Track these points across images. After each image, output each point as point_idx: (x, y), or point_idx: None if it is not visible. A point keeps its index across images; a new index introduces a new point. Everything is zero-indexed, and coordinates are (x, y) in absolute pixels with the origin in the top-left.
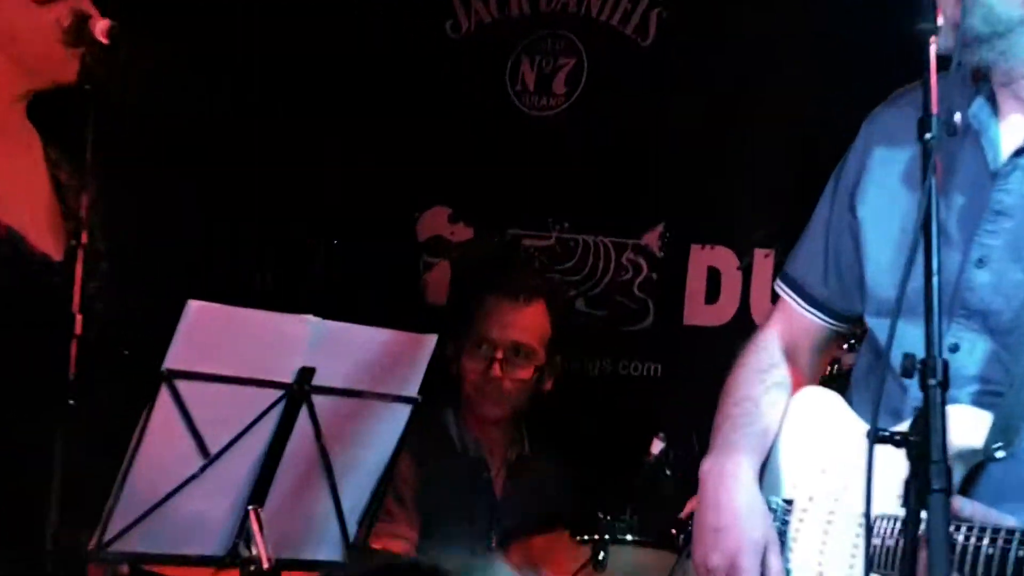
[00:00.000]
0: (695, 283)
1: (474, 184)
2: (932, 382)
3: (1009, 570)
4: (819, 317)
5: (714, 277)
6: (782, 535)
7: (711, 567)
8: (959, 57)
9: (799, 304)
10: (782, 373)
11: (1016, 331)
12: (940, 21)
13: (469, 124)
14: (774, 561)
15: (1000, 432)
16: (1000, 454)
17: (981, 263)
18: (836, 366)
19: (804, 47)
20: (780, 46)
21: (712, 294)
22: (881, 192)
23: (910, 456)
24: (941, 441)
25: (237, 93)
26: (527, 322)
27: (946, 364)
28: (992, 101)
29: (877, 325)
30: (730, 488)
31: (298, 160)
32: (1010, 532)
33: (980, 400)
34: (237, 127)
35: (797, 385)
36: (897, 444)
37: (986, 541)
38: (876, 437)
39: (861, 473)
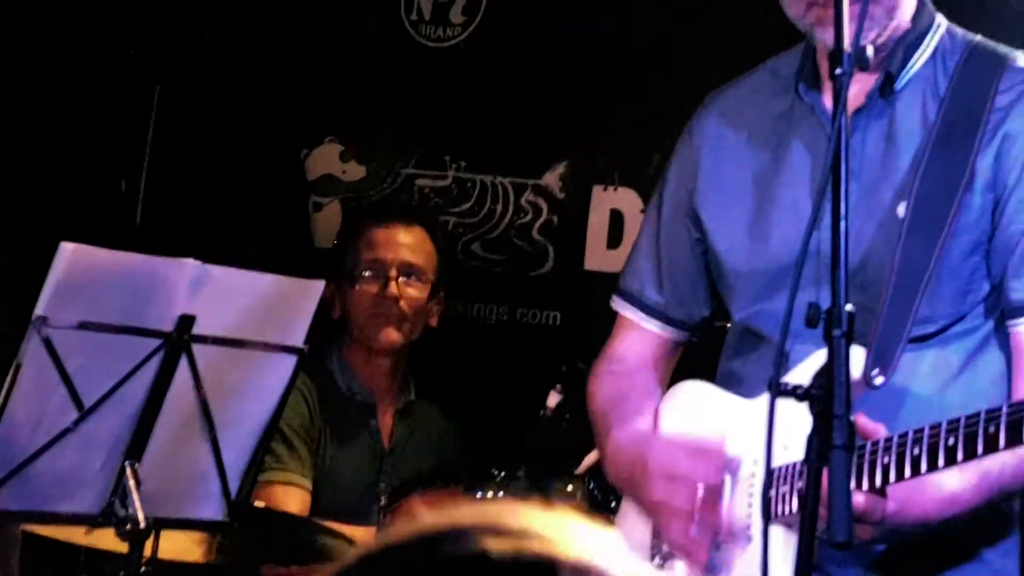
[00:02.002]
0: (597, 226)
1: (366, 120)
2: (837, 332)
3: (907, 471)
4: (659, 326)
5: (617, 220)
6: None
7: (689, 532)
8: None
9: (638, 315)
10: (644, 376)
11: (877, 282)
12: None
13: (361, 55)
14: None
15: (876, 360)
16: (879, 380)
17: None
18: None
19: None
20: None
21: (615, 238)
22: (723, 187)
23: (813, 411)
24: (845, 394)
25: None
26: (414, 243)
27: (851, 316)
28: (817, 70)
29: (753, 313)
30: (648, 452)
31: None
32: (902, 435)
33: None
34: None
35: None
36: (799, 398)
37: (880, 452)
38: (777, 390)
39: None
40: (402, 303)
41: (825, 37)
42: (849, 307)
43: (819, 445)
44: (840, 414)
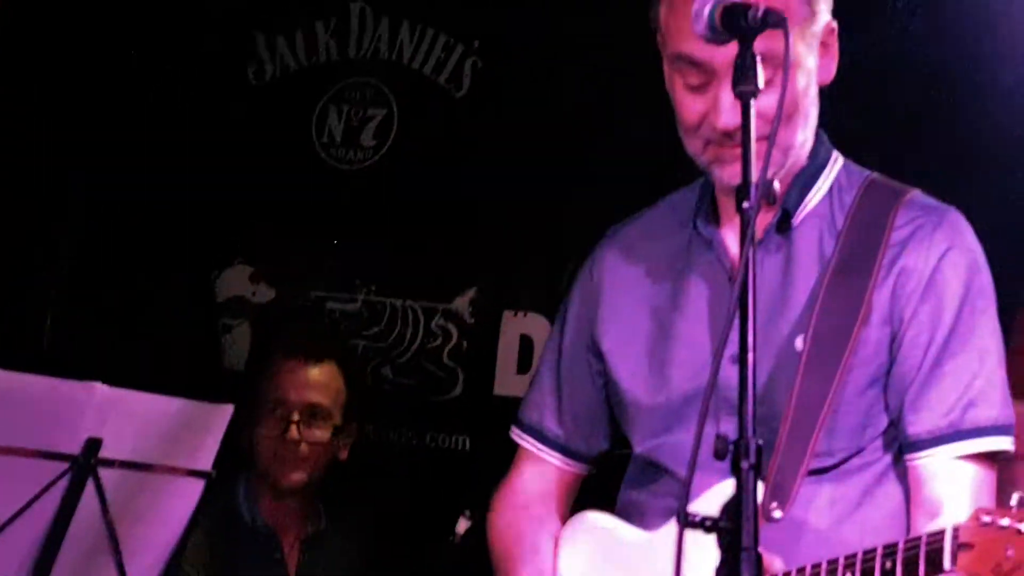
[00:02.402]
0: (507, 351)
1: (277, 242)
2: (745, 465)
3: None
4: (559, 459)
5: (527, 345)
6: None
7: None
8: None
9: (539, 449)
10: (543, 509)
11: (776, 416)
12: (761, 83)
13: (272, 177)
14: None
15: (774, 493)
16: (777, 514)
17: (735, 360)
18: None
19: (626, 103)
20: (599, 101)
21: (524, 363)
22: (623, 321)
23: (720, 544)
24: (753, 528)
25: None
26: (321, 383)
27: (760, 447)
28: (715, 205)
29: (654, 446)
30: None
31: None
32: (800, 569)
33: None
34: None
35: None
36: (707, 530)
37: None
38: (686, 522)
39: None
40: (303, 447)
41: (722, 175)
42: (759, 441)
43: None
44: (748, 547)
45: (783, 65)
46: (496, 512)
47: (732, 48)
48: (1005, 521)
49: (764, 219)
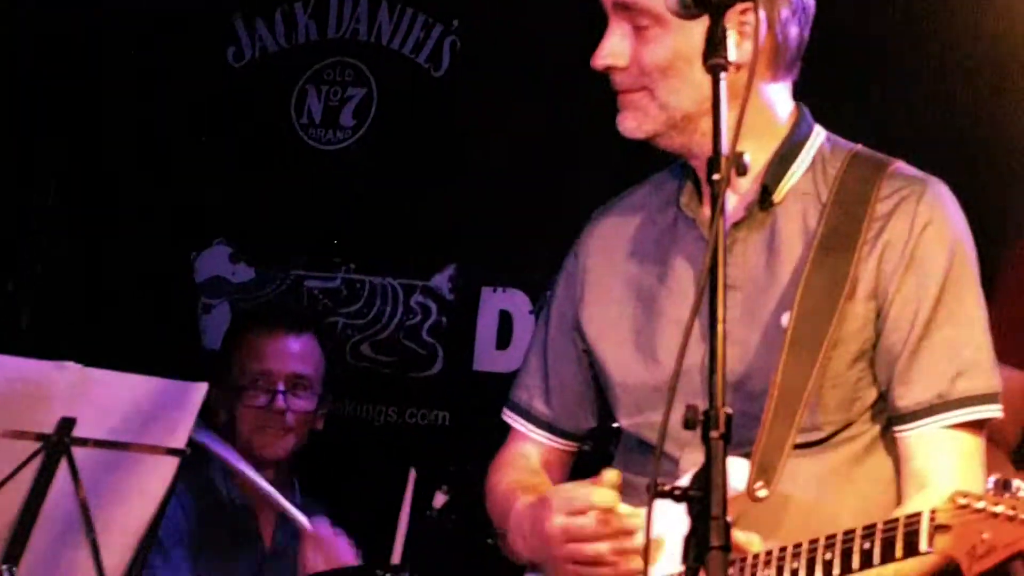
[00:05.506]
0: (486, 328)
1: (256, 221)
2: (714, 434)
3: None
4: (547, 438)
5: (506, 321)
6: None
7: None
8: (662, 143)
9: (528, 429)
10: (540, 477)
11: (763, 393)
12: (732, 56)
13: (252, 158)
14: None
15: (760, 472)
16: (762, 492)
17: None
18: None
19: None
20: (580, 79)
21: (504, 339)
22: (608, 302)
23: (691, 512)
24: (722, 496)
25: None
26: (303, 352)
27: (729, 417)
28: (697, 184)
29: (640, 422)
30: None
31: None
32: (782, 549)
33: (735, 453)
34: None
35: None
36: (677, 499)
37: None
38: (656, 492)
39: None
40: (289, 416)
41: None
42: (728, 410)
43: (696, 546)
44: (717, 515)
45: (755, 41)
46: (493, 474)
47: None
48: (981, 504)
49: (746, 196)
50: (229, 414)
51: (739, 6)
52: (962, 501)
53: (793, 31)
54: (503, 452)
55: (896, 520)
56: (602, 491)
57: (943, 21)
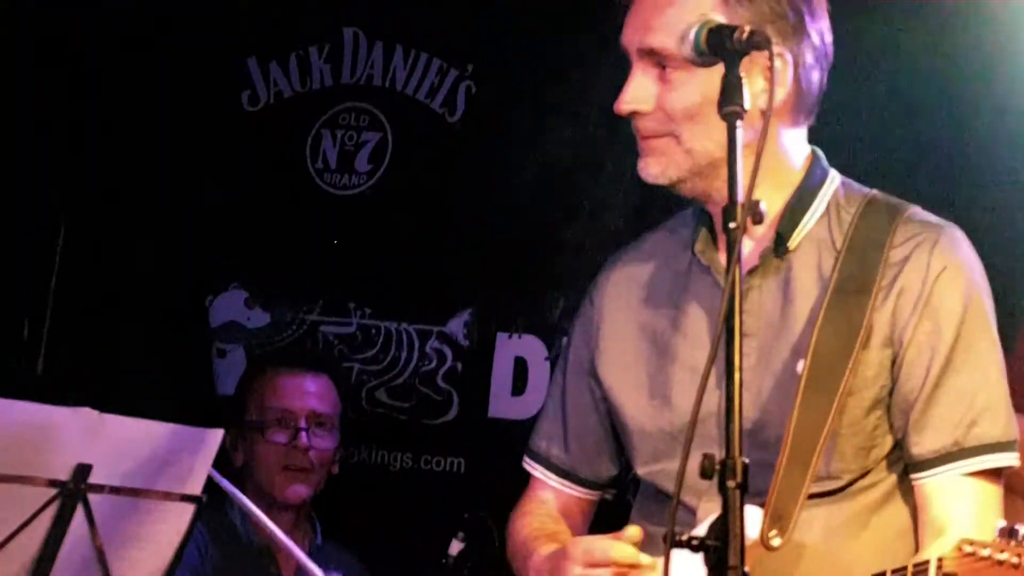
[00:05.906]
0: (501, 374)
1: (272, 266)
2: (731, 484)
3: None
4: (568, 486)
5: (521, 367)
6: None
7: None
8: (684, 189)
9: (548, 477)
10: (561, 525)
11: (778, 440)
12: (747, 104)
13: (267, 202)
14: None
15: (773, 520)
16: (776, 541)
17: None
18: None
19: (621, 128)
20: (593, 125)
21: (519, 385)
22: (623, 348)
23: (708, 562)
24: (740, 546)
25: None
26: (321, 391)
27: (746, 466)
28: (712, 230)
29: (656, 471)
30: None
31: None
32: None
33: (750, 501)
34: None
35: None
36: (695, 549)
37: None
38: (673, 541)
39: None
40: (312, 454)
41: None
42: (745, 459)
43: None
44: (735, 565)
45: (771, 89)
46: (515, 519)
47: (638, 32)
48: (986, 551)
49: (761, 243)
50: (247, 456)
51: (768, 52)
52: (968, 548)
53: (816, 76)
54: (524, 500)
55: (905, 568)
56: (622, 546)
57: None
